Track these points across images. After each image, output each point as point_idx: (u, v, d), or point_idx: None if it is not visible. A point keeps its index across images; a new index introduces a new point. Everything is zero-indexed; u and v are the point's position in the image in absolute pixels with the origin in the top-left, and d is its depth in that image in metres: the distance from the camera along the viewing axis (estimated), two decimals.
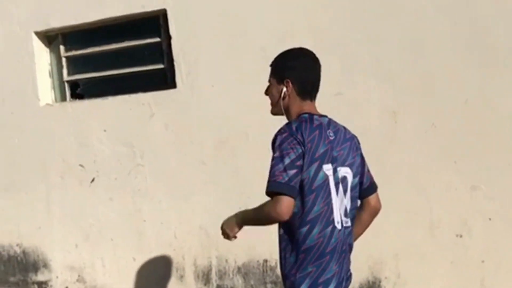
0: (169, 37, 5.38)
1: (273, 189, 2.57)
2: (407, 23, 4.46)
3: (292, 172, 2.56)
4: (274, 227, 2.80)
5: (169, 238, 5.54)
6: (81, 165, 5.91)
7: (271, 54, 4.86)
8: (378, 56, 4.55)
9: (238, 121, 5.12)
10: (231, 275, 5.32)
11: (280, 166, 2.57)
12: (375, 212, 2.95)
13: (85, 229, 5.96)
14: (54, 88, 6.18)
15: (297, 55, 2.84)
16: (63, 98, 6.17)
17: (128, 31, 5.73)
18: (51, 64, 6.19)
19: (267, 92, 2.89)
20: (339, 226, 2.69)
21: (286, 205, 2.56)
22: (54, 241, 6.17)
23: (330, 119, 2.82)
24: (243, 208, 5.01)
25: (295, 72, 2.77)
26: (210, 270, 5.39)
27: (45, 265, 6.25)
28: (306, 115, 2.74)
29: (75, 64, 6.11)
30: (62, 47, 6.11)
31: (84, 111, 5.88)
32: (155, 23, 5.54)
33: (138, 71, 5.71)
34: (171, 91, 5.39)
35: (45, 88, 6.15)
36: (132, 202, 5.70)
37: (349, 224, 2.78)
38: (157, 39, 5.56)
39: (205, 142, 5.28)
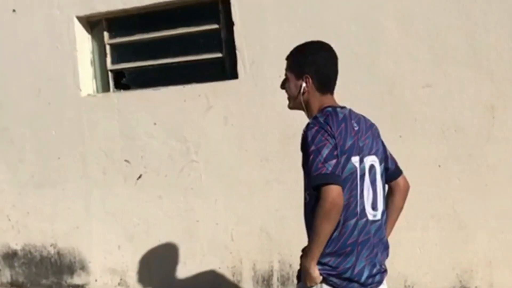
0: (230, 24, 4.97)
1: (320, 182, 2.56)
2: (510, 7, 4.07)
3: (333, 162, 2.58)
4: None
5: (225, 240, 5.14)
6: (127, 161, 5.49)
7: (348, 42, 4.55)
8: (474, 44, 4.16)
9: None
10: (295, 281, 4.91)
11: (320, 158, 2.57)
12: (406, 192, 2.94)
13: (129, 229, 5.55)
14: (95, 77, 5.75)
15: (316, 50, 2.81)
16: (105, 89, 5.75)
17: (182, 17, 5.32)
18: (93, 52, 5.77)
19: (283, 86, 2.88)
20: (369, 217, 2.70)
21: (337, 192, 2.54)
22: (93, 242, 5.75)
23: (350, 110, 2.81)
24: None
25: (315, 67, 2.76)
26: (271, 275, 4.99)
27: (83, 267, 5.83)
28: (330, 109, 2.73)
29: (120, 52, 5.70)
30: (106, 34, 5.68)
31: (131, 102, 5.47)
32: (214, 8, 5.14)
33: (192, 61, 5.30)
34: (232, 81, 4.99)
35: (86, 78, 5.72)
36: (184, 201, 5.30)
37: (379, 217, 2.76)
38: (215, 26, 5.15)
39: (269, 138, 4.88)
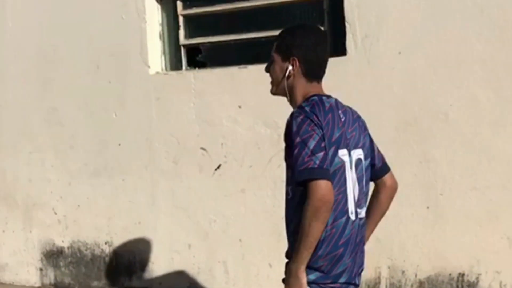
0: None
1: (306, 177, 2.36)
2: None
3: (320, 154, 2.39)
4: None
5: None
6: (203, 148, 4.82)
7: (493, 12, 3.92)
8: None
9: (435, 98, 4.08)
10: None
11: (306, 151, 2.38)
12: (392, 192, 2.74)
13: (203, 226, 4.88)
14: (164, 53, 5.06)
15: (307, 32, 2.62)
16: (176, 66, 5.06)
17: None
18: (162, 24, 5.07)
19: (268, 69, 2.67)
20: (353, 217, 2.51)
21: (326, 187, 2.35)
22: (158, 240, 5.08)
23: (336, 99, 2.63)
24: (432, 208, 4.14)
25: (304, 50, 2.57)
26: (378, 283, 4.35)
27: (144, 269, 5.15)
28: (316, 97, 2.56)
29: (196, 25, 5.02)
30: (179, 3, 4.99)
31: (211, 82, 4.79)
32: None
33: None
34: (338, 59, 4.32)
35: (154, 53, 5.02)
36: (272, 196, 4.63)
37: (363, 215, 2.60)
38: None
39: (384, 124, 4.23)
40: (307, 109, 2.49)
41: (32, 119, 5.53)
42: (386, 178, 2.73)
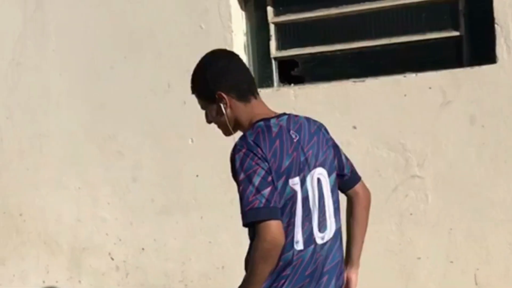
0: None
1: (252, 219, 2.22)
2: None
3: (267, 191, 2.23)
4: None
5: (465, 284, 3.80)
6: None
7: None
8: None
9: None
10: None
11: (251, 189, 2.23)
12: (367, 201, 2.60)
13: None
14: (250, 67, 4.34)
15: (208, 62, 2.48)
16: (265, 82, 4.35)
17: None
18: (247, 34, 4.35)
19: (209, 121, 2.53)
20: (298, 247, 2.33)
21: (275, 228, 2.20)
22: None
23: (289, 116, 2.46)
24: None
25: (219, 79, 2.42)
26: None
27: None
28: (262, 123, 2.38)
29: (290, 35, 4.31)
30: (270, 10, 4.28)
31: (316, 100, 4.10)
32: None
33: (406, 42, 3.97)
34: (486, 67, 3.69)
35: None
36: (397, 231, 3.96)
37: (326, 238, 2.40)
38: None
39: None
40: (250, 140, 2.32)
41: (81, 148, 4.72)
42: (358, 188, 2.58)
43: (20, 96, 4.90)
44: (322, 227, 2.40)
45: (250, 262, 2.28)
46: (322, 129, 2.52)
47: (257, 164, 2.27)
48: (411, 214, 3.92)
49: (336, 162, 2.51)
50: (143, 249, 4.59)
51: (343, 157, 2.58)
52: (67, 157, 4.76)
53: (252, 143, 2.31)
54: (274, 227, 2.22)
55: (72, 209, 4.76)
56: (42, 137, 4.84)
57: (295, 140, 2.37)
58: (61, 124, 4.76)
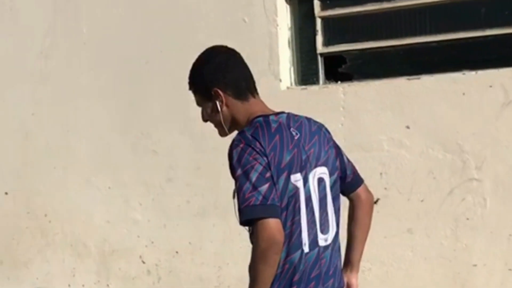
0: None
1: (249, 216, 2.13)
2: None
3: (264, 187, 2.14)
4: None
5: None
6: None
7: None
8: None
9: None
10: None
11: (248, 185, 2.15)
12: (370, 205, 2.53)
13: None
14: (294, 64, 4.15)
15: (207, 58, 2.41)
16: (310, 79, 4.15)
17: None
18: (291, 29, 4.16)
19: (205, 119, 2.43)
20: (306, 249, 2.25)
21: (273, 226, 2.11)
22: None
23: (288, 114, 2.38)
24: None
25: (217, 76, 2.35)
26: None
27: None
28: (260, 119, 2.30)
29: (338, 29, 4.12)
30: (317, 3, 4.09)
31: (367, 98, 3.91)
32: None
33: (466, 38, 3.78)
34: None
35: (284, 64, 4.11)
36: (452, 237, 3.77)
37: (329, 241, 2.32)
38: None
39: None
40: (248, 134, 2.25)
41: (113, 146, 4.52)
42: (360, 191, 2.50)
43: (48, 91, 4.70)
44: (325, 228, 2.33)
45: (250, 266, 2.17)
46: (323, 129, 2.44)
47: (255, 159, 2.19)
48: (467, 219, 3.73)
49: (338, 163, 2.43)
50: (177, 252, 4.39)
51: (345, 158, 2.50)
52: (98, 155, 4.56)
53: (250, 137, 2.23)
54: (272, 225, 2.13)
55: (102, 210, 4.56)
56: (71, 134, 4.63)
57: (295, 138, 2.30)
58: (92, 120, 4.56)
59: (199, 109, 4.07)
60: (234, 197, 2.28)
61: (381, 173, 3.88)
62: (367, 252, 3.73)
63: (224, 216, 4.23)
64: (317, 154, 2.34)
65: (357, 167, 3.77)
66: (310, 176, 2.30)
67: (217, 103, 2.34)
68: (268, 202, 2.14)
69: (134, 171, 4.48)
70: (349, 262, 2.54)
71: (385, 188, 3.88)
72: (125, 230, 4.50)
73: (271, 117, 2.32)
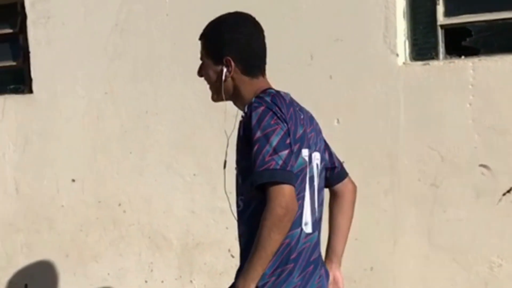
0: None
1: (267, 179, 2.09)
2: None
3: (284, 153, 2.12)
4: None
5: None
6: (484, 166, 3.52)
7: None
8: None
9: None
10: None
11: (268, 148, 2.11)
12: (354, 196, 2.53)
13: (480, 273, 3.59)
14: (409, 36, 3.74)
15: (234, 24, 2.33)
16: (427, 54, 3.73)
17: None
18: None
19: (200, 74, 2.39)
20: (308, 229, 2.25)
21: (289, 193, 2.09)
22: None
23: (291, 96, 2.33)
24: None
25: (236, 46, 2.30)
26: None
27: None
28: (273, 90, 2.30)
29: None
30: None
31: (500, 73, 3.51)
32: None
33: None
34: None
35: (399, 37, 3.69)
36: None
37: (312, 229, 2.29)
38: None
39: None
40: (268, 99, 2.21)
41: (198, 128, 4.09)
42: (347, 181, 2.51)
43: (123, 68, 4.26)
44: (314, 214, 2.31)
45: (260, 234, 2.10)
46: (315, 119, 2.43)
47: (276, 123, 2.15)
48: None
49: (326, 154, 2.43)
50: None
51: (332, 151, 2.50)
52: (180, 138, 4.13)
53: (270, 101, 2.20)
54: (289, 192, 2.10)
55: (185, 199, 4.14)
56: (150, 115, 4.20)
57: (301, 117, 2.30)
58: (174, 99, 4.13)
59: (301, 88, 3.68)
60: (224, 167, 2.33)
61: None
62: (497, 247, 3.37)
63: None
64: (315, 140, 2.34)
65: (481, 153, 3.41)
66: (312, 158, 2.29)
67: (224, 71, 2.30)
68: (288, 168, 2.11)
69: (223, 156, 4.04)
70: (333, 254, 2.50)
71: None
72: (211, 221, 4.09)
73: (280, 91, 2.30)
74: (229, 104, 3.91)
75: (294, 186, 2.14)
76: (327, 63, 3.78)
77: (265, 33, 3.73)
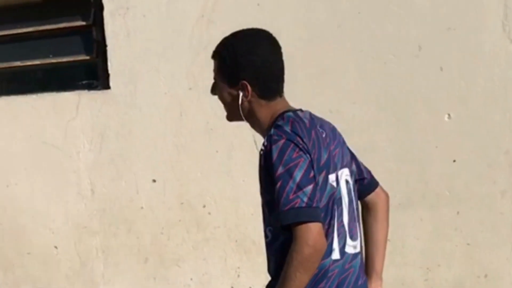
0: None
1: (293, 220, 1.96)
2: None
3: (309, 188, 1.99)
4: None
5: None
6: None
7: None
8: None
9: None
10: None
11: (291, 185, 1.98)
12: (388, 206, 2.36)
13: None
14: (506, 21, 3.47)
15: (251, 45, 2.16)
16: None
17: None
18: None
19: (214, 92, 2.26)
20: (336, 256, 2.10)
21: (318, 232, 1.96)
22: None
23: (310, 112, 2.22)
24: None
25: (253, 69, 2.14)
26: None
27: None
28: (291, 113, 2.14)
29: None
30: None
31: None
32: None
33: None
34: None
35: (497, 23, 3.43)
36: None
37: (358, 248, 2.20)
38: None
39: None
40: (287, 128, 2.06)
41: None
42: (379, 190, 2.35)
43: (209, 61, 3.98)
44: (354, 235, 2.20)
45: (285, 270, 1.99)
46: (337, 129, 2.30)
47: (299, 156, 2.02)
48: None
49: (354, 165, 2.30)
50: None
51: (359, 161, 2.37)
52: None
53: (290, 131, 2.06)
54: (317, 230, 1.98)
55: None
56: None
57: (323, 136, 2.15)
58: None
59: (407, 81, 3.44)
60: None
61: None
62: None
63: (436, 208, 3.72)
64: (341, 155, 2.22)
65: None
66: (340, 179, 2.17)
67: (240, 95, 2.17)
68: (314, 205, 2.00)
69: None
70: (373, 270, 2.32)
71: None
72: None
73: (298, 113, 2.17)
74: (330, 99, 3.68)
75: (321, 222, 2.02)
76: (437, 54, 3.52)
77: (364, 25, 3.51)
